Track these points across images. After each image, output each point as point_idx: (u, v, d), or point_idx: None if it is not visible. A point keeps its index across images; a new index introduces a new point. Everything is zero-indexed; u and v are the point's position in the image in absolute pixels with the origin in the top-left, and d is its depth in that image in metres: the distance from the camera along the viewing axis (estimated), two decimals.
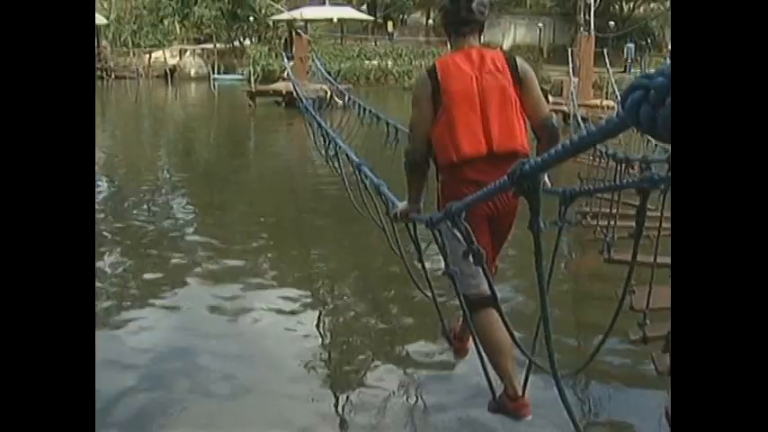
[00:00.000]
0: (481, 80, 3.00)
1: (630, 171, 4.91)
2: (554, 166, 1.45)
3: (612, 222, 4.66)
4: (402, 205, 3.35)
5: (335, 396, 4.71)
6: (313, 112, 9.13)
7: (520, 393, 2.86)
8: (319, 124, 8.39)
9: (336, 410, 4.53)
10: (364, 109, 8.84)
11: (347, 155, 5.83)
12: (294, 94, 15.89)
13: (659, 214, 3.65)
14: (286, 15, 29.41)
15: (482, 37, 3.22)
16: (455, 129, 2.96)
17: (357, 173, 5.06)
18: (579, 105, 16.11)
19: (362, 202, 5.40)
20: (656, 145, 8.23)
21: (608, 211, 4.86)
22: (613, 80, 18.38)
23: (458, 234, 2.30)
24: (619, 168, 4.98)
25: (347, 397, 4.66)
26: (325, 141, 7.78)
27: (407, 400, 4.69)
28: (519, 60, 3.15)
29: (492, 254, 2.96)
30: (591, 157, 6.51)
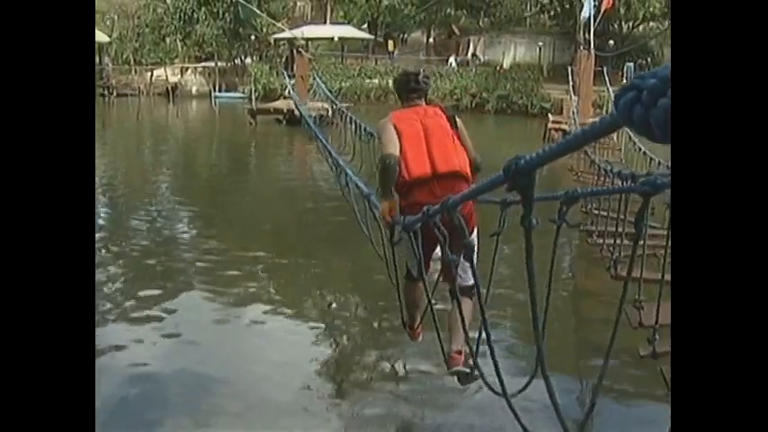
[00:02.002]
0: (425, 123, 3.92)
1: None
2: (548, 162, 1.46)
3: (619, 241, 4.66)
4: (382, 206, 4.08)
5: (335, 402, 4.70)
6: (325, 143, 8.99)
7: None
8: (330, 153, 8.32)
9: (335, 416, 4.51)
10: (363, 129, 8.86)
11: (357, 185, 5.89)
12: (298, 114, 15.89)
13: (665, 231, 3.66)
14: (287, 34, 29.55)
15: (426, 99, 4.14)
16: (407, 160, 3.85)
17: (366, 203, 5.06)
18: (579, 123, 16.15)
19: (368, 231, 5.40)
20: (659, 163, 8.27)
21: (614, 229, 4.86)
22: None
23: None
24: (624, 184, 4.97)
25: (347, 404, 4.66)
26: (336, 170, 7.76)
27: (407, 408, 4.69)
28: (457, 118, 4.06)
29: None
30: (595, 176, 6.51)
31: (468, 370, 3.77)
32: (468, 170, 3.90)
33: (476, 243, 3.70)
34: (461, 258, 3.22)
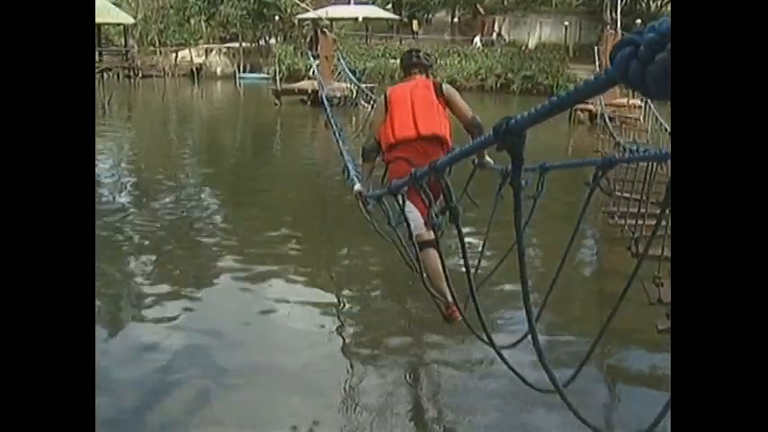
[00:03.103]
0: (414, 93, 4.51)
1: (661, 168, 4.89)
2: (540, 121, 1.43)
3: (641, 221, 4.64)
4: (357, 187, 4.89)
5: (357, 392, 4.72)
6: (336, 130, 8.88)
7: (450, 306, 4.09)
8: (337, 139, 8.28)
9: (357, 406, 4.54)
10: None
11: (348, 170, 6.03)
12: (321, 95, 15.84)
13: None
14: (312, 14, 29.52)
15: (426, 73, 4.75)
16: (393, 121, 4.44)
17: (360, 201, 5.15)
18: (606, 104, 15.98)
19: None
20: None
21: (635, 210, 4.84)
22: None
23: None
24: (649, 165, 4.94)
25: (369, 393, 4.68)
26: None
27: (428, 394, 4.71)
28: (444, 85, 4.62)
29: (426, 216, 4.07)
30: (620, 155, 6.46)
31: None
32: (448, 136, 4.49)
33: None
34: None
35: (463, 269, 2.33)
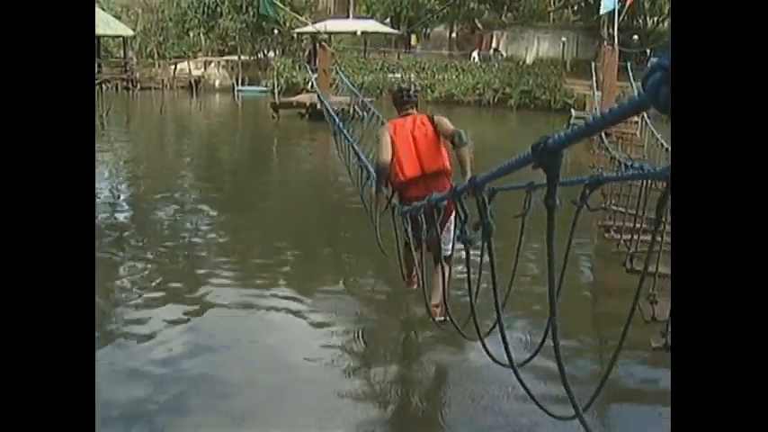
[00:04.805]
0: (414, 132, 5.17)
1: (657, 185, 4.89)
2: (576, 142, 1.46)
3: (636, 236, 4.65)
4: (375, 197, 5.40)
5: (354, 397, 4.71)
6: (356, 149, 8.63)
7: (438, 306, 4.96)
8: (358, 157, 8.14)
9: (354, 411, 4.53)
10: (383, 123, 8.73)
11: (371, 177, 6.05)
12: (321, 108, 15.70)
13: None
14: (310, 28, 29.60)
15: (417, 107, 5.44)
16: (401, 163, 5.12)
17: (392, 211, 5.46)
18: None
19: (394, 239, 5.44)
20: None
21: (631, 225, 4.85)
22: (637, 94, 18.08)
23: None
24: (645, 181, 4.95)
25: (367, 398, 4.67)
26: (360, 173, 7.64)
27: (426, 395, 4.70)
28: (435, 117, 5.29)
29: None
30: (616, 171, 6.49)
31: (443, 318, 4.80)
32: (448, 164, 5.16)
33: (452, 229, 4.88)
34: (447, 234, 4.87)
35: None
